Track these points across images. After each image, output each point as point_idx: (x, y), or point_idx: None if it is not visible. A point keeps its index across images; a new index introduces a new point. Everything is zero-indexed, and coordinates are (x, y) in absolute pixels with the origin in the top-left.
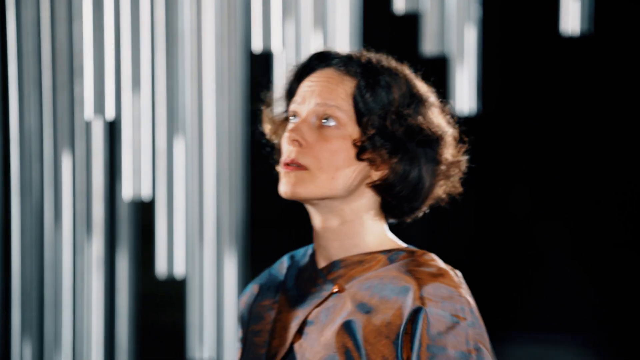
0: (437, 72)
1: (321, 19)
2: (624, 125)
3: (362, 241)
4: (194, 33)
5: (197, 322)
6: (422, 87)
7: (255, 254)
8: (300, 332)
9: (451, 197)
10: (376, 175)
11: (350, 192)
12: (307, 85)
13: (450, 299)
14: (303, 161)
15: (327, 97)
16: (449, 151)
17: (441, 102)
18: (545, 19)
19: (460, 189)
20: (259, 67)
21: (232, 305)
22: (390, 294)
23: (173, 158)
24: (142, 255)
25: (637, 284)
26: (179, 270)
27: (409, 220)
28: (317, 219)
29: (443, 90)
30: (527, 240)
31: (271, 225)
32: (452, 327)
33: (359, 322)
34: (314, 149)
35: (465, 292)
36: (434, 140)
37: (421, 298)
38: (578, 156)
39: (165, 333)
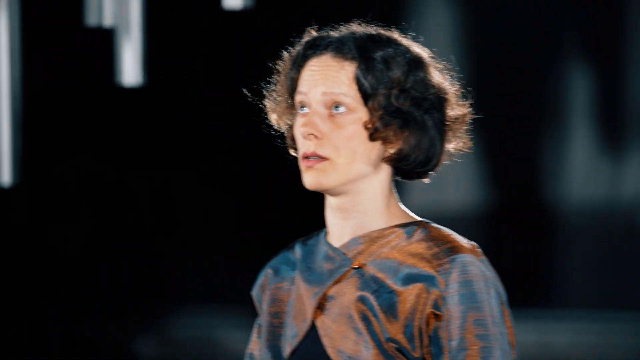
0: (103, 44)
1: None
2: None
3: (379, 217)
4: None
5: None
6: (415, 50)
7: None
8: (320, 308)
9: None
10: (391, 149)
11: (370, 171)
12: (309, 75)
13: (471, 275)
14: (322, 152)
15: (332, 86)
16: (454, 108)
17: (434, 56)
18: None
19: (469, 143)
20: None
21: None
22: (409, 280)
23: None
24: None
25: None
26: None
27: (426, 181)
28: (336, 203)
29: (109, 63)
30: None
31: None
32: (476, 304)
33: (377, 301)
34: (331, 138)
35: (484, 264)
36: (438, 104)
37: (443, 281)
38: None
39: None
